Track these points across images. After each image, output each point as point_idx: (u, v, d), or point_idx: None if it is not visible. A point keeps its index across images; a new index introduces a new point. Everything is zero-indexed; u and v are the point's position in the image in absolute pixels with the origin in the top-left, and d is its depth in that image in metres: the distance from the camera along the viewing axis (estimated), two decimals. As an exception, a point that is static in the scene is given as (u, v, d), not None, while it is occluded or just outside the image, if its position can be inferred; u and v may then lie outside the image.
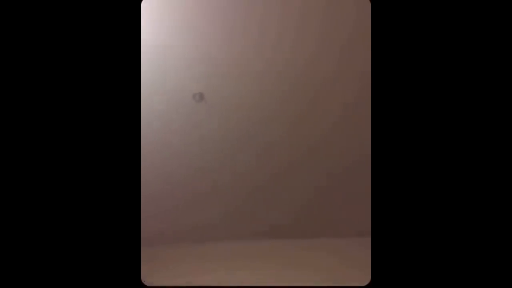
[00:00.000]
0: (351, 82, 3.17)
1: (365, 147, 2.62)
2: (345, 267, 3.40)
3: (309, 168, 2.97)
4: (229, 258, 3.47)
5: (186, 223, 3.39)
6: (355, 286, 2.11)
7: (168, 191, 3.11)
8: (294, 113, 2.70)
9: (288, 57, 3.09)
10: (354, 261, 3.36)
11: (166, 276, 3.37)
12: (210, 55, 2.50)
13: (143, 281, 1.73)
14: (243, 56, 2.52)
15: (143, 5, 1.88)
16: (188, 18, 2.52)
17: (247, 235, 3.50)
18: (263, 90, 2.63)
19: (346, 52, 2.98)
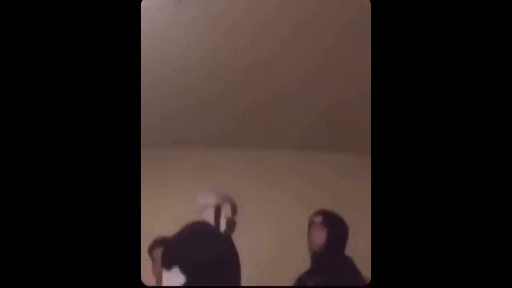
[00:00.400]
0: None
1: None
2: (344, 179, 3.38)
3: (310, 83, 2.81)
4: (227, 164, 3.43)
5: (184, 130, 3.27)
6: (355, 286, 2.10)
7: (170, 98, 2.97)
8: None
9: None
10: (353, 175, 3.35)
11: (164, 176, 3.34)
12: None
13: (143, 281, 1.73)
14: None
15: (143, 5, 1.88)
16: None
17: (246, 145, 3.39)
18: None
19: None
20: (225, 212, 2.03)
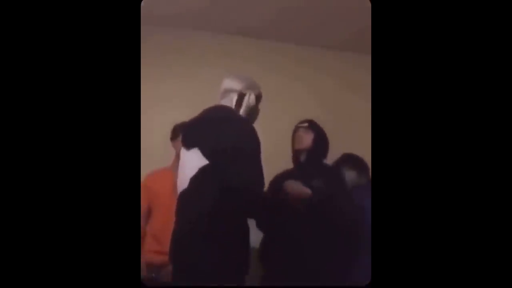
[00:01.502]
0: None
1: None
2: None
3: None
4: (230, 51, 3.38)
5: (203, 17, 3.18)
6: (355, 286, 2.10)
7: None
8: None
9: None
10: (353, 80, 3.31)
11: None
12: None
13: (143, 281, 1.73)
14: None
15: (143, 5, 1.88)
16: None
17: (267, 36, 3.31)
18: None
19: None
20: (249, 99, 1.97)
